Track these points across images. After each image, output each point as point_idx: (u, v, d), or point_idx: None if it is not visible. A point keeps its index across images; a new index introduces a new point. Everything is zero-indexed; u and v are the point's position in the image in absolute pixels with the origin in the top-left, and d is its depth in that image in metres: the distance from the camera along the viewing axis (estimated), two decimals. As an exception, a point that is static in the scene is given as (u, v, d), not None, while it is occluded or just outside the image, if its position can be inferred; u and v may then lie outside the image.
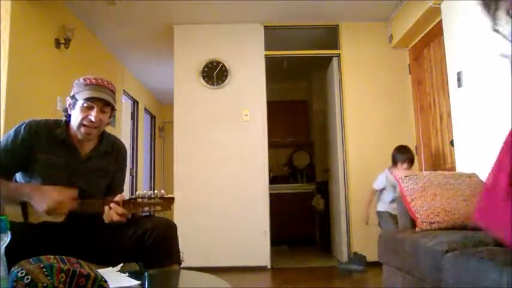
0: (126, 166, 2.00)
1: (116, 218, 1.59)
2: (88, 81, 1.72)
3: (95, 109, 1.69)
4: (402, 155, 3.49)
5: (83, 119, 1.69)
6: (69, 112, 1.75)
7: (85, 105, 1.68)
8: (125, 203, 1.61)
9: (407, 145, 3.63)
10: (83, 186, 1.67)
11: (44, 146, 1.69)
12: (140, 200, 1.62)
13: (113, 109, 1.80)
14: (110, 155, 1.86)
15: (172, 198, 1.64)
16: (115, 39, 4.69)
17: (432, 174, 2.29)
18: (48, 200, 1.57)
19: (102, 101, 1.70)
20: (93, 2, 3.76)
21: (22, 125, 1.71)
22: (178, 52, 4.37)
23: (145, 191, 1.65)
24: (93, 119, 1.68)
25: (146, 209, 1.62)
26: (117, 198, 1.62)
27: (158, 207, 1.62)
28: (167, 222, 1.77)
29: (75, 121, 1.71)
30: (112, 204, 1.60)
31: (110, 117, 1.80)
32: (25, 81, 3.14)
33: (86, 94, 1.68)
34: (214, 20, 4.32)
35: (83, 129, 1.70)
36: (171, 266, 1.68)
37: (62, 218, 1.62)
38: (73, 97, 1.72)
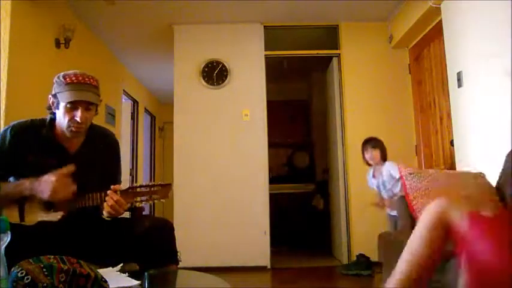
0: (119, 156, 1.97)
1: (112, 204, 1.57)
2: (68, 79, 1.65)
3: (80, 109, 1.65)
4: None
5: (69, 120, 1.66)
6: (53, 110, 1.72)
7: (68, 106, 1.64)
8: (122, 193, 1.61)
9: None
10: (77, 183, 1.64)
11: (32, 148, 1.67)
12: (138, 188, 1.63)
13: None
14: (100, 147, 1.84)
15: (170, 185, 1.65)
16: (115, 39, 4.69)
17: (437, 173, 2.25)
18: (48, 185, 1.56)
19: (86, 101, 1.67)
20: (93, 2, 3.76)
21: (7, 129, 1.69)
22: (178, 52, 4.37)
23: (143, 182, 1.66)
24: (78, 120, 1.65)
25: (144, 198, 1.62)
26: (114, 187, 1.62)
27: (156, 195, 1.62)
28: (164, 222, 1.77)
29: (61, 122, 1.69)
30: (109, 192, 1.60)
31: (95, 111, 1.77)
32: (25, 81, 3.14)
33: (68, 97, 1.63)
34: (214, 20, 4.32)
35: (70, 130, 1.67)
36: (169, 266, 1.68)
37: (58, 217, 1.62)
38: (55, 96, 1.68)
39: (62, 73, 1.69)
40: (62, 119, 1.67)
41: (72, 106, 1.65)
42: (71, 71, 1.70)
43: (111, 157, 1.91)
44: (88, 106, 1.68)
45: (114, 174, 1.92)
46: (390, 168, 3.20)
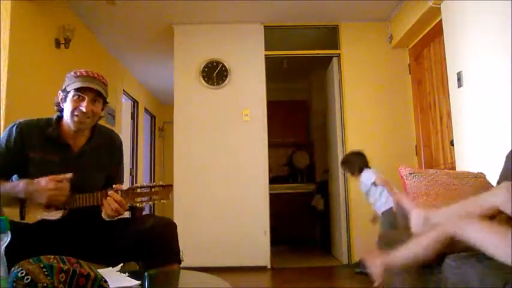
0: (122, 158, 1.98)
1: (114, 205, 1.58)
2: (79, 73, 1.72)
3: (86, 99, 1.68)
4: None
5: (73, 110, 1.68)
6: (61, 106, 1.74)
7: (75, 97, 1.68)
8: (123, 193, 1.61)
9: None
10: (80, 182, 1.65)
11: (37, 146, 1.68)
12: (139, 189, 1.63)
13: (105, 102, 1.79)
14: (104, 148, 1.85)
15: (171, 186, 1.65)
16: (115, 39, 4.69)
17: (437, 173, 2.26)
18: (43, 194, 1.56)
19: (93, 91, 1.69)
20: (93, 2, 3.76)
21: (13, 126, 1.70)
22: (178, 52, 4.37)
23: (144, 183, 1.66)
24: (84, 109, 1.67)
25: (145, 198, 1.63)
26: (115, 187, 1.62)
27: (157, 196, 1.63)
28: (167, 221, 1.78)
29: (67, 113, 1.70)
30: (110, 192, 1.60)
31: (102, 109, 1.79)
32: (25, 81, 3.14)
33: (76, 85, 1.68)
34: (214, 20, 4.32)
35: (75, 119, 1.69)
36: (171, 265, 1.68)
37: (59, 215, 1.62)
38: (64, 90, 1.72)
39: (74, 70, 1.75)
40: (68, 110, 1.70)
41: (79, 96, 1.68)
42: (82, 69, 1.76)
43: (114, 157, 1.91)
44: (95, 98, 1.71)
45: (116, 175, 1.92)
46: (364, 177, 3.33)
